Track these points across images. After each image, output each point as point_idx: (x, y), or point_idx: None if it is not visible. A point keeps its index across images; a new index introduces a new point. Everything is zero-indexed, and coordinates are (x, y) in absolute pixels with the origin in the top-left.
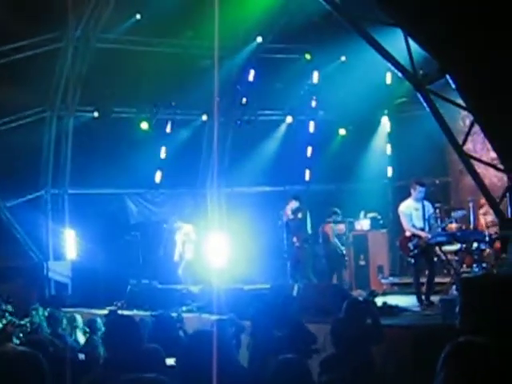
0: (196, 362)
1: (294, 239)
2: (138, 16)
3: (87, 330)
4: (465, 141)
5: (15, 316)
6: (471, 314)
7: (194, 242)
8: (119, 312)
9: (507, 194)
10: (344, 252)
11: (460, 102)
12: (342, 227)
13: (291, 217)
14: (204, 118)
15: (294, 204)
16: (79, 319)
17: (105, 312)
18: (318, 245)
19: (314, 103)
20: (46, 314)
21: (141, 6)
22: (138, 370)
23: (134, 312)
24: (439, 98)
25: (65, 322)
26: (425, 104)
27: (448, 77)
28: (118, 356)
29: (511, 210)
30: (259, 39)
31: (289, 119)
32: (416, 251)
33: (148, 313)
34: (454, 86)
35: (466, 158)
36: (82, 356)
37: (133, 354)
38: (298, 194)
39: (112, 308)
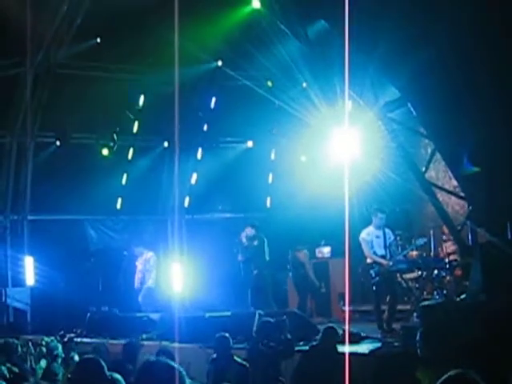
0: None
1: (252, 267)
2: (98, 39)
3: (46, 357)
4: (426, 169)
5: None
6: (432, 341)
7: (155, 268)
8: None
9: (468, 222)
10: (314, 280)
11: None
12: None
13: (246, 244)
14: (165, 144)
15: (249, 231)
16: (36, 346)
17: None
18: (281, 271)
19: (274, 130)
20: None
21: (102, 32)
22: None
23: (94, 340)
24: (400, 126)
25: (20, 349)
26: (386, 132)
27: (409, 105)
28: None
29: (472, 237)
30: (219, 63)
31: (250, 145)
32: (377, 278)
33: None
34: (415, 113)
35: (428, 186)
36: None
37: None
38: (255, 221)
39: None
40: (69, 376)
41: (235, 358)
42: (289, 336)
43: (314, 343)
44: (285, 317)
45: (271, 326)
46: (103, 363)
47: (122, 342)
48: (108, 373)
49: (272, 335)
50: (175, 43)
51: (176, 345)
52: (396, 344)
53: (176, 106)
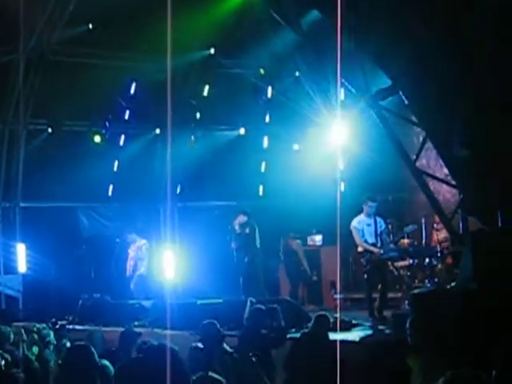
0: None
1: (243, 254)
2: (90, 26)
3: (38, 344)
4: (417, 157)
5: None
6: (422, 328)
7: (147, 256)
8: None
9: (459, 210)
10: (306, 268)
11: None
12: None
13: (239, 231)
14: (157, 131)
15: (241, 218)
16: (29, 333)
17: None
18: (273, 259)
19: (267, 118)
20: None
21: (95, 18)
22: None
23: (86, 327)
24: (392, 114)
25: (12, 336)
26: (378, 120)
27: (401, 93)
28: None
29: (463, 225)
30: (212, 51)
31: (242, 132)
32: (368, 266)
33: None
34: (406, 102)
35: (419, 174)
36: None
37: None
38: (247, 209)
39: (63, 322)
40: (59, 362)
41: (224, 345)
42: (282, 323)
43: (306, 330)
44: (276, 304)
45: (263, 314)
46: (93, 350)
47: (115, 329)
48: (98, 359)
49: (263, 323)
50: (168, 30)
51: (167, 332)
52: (387, 331)
53: (168, 93)
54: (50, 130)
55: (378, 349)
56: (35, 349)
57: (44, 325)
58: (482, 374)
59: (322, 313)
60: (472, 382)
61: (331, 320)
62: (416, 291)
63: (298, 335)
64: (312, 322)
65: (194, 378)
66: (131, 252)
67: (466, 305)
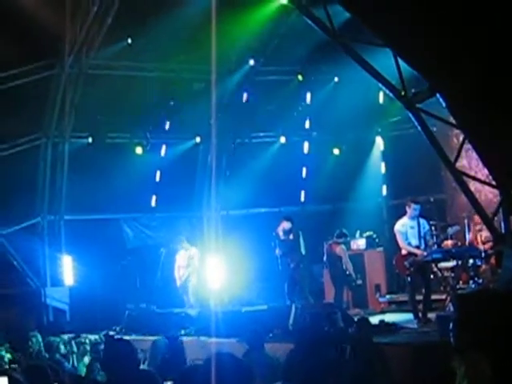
0: None
1: (289, 260)
2: (130, 40)
3: (87, 355)
4: (457, 158)
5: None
6: (466, 330)
7: (198, 266)
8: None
9: (500, 210)
10: (351, 272)
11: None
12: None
13: (283, 238)
14: (197, 139)
15: (285, 225)
16: (79, 345)
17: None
18: (317, 264)
19: (307, 124)
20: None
21: (133, 31)
22: None
23: (133, 337)
24: (430, 116)
25: (62, 348)
26: (416, 123)
27: (438, 95)
28: (116, 379)
29: (505, 225)
30: (251, 62)
31: (282, 140)
32: (412, 269)
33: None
34: (444, 104)
35: (459, 175)
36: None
37: (130, 377)
38: (290, 215)
39: (109, 332)
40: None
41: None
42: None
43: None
44: (321, 309)
45: (321, 318)
46: (132, 344)
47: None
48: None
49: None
50: (212, 41)
51: (213, 340)
52: (432, 333)
53: (213, 102)
54: (91, 142)
55: (422, 351)
56: (86, 359)
57: (96, 336)
58: None
59: (363, 316)
60: None
61: (376, 323)
62: (459, 292)
63: None
64: (354, 326)
65: None
66: (180, 259)
67: (509, 305)
